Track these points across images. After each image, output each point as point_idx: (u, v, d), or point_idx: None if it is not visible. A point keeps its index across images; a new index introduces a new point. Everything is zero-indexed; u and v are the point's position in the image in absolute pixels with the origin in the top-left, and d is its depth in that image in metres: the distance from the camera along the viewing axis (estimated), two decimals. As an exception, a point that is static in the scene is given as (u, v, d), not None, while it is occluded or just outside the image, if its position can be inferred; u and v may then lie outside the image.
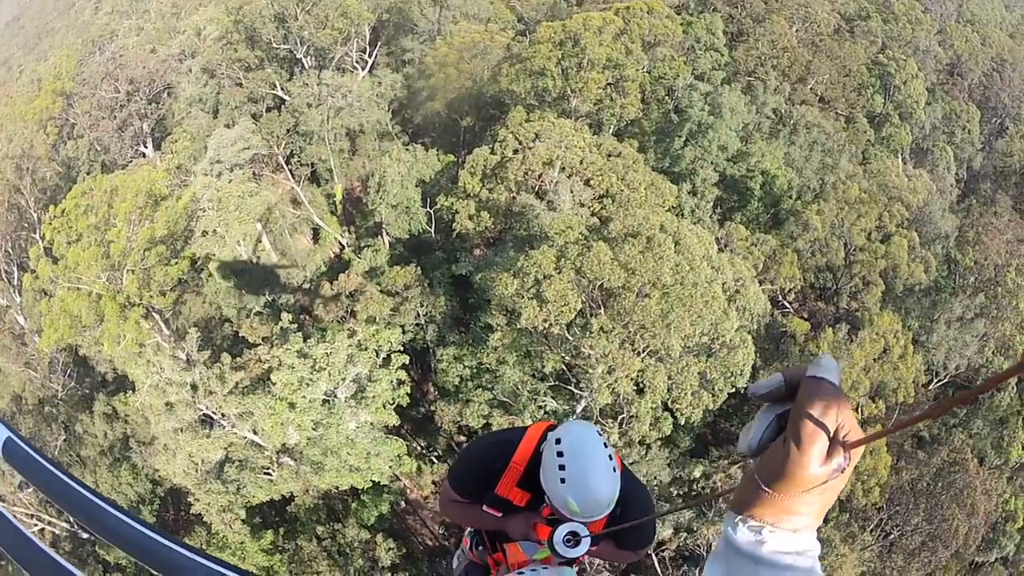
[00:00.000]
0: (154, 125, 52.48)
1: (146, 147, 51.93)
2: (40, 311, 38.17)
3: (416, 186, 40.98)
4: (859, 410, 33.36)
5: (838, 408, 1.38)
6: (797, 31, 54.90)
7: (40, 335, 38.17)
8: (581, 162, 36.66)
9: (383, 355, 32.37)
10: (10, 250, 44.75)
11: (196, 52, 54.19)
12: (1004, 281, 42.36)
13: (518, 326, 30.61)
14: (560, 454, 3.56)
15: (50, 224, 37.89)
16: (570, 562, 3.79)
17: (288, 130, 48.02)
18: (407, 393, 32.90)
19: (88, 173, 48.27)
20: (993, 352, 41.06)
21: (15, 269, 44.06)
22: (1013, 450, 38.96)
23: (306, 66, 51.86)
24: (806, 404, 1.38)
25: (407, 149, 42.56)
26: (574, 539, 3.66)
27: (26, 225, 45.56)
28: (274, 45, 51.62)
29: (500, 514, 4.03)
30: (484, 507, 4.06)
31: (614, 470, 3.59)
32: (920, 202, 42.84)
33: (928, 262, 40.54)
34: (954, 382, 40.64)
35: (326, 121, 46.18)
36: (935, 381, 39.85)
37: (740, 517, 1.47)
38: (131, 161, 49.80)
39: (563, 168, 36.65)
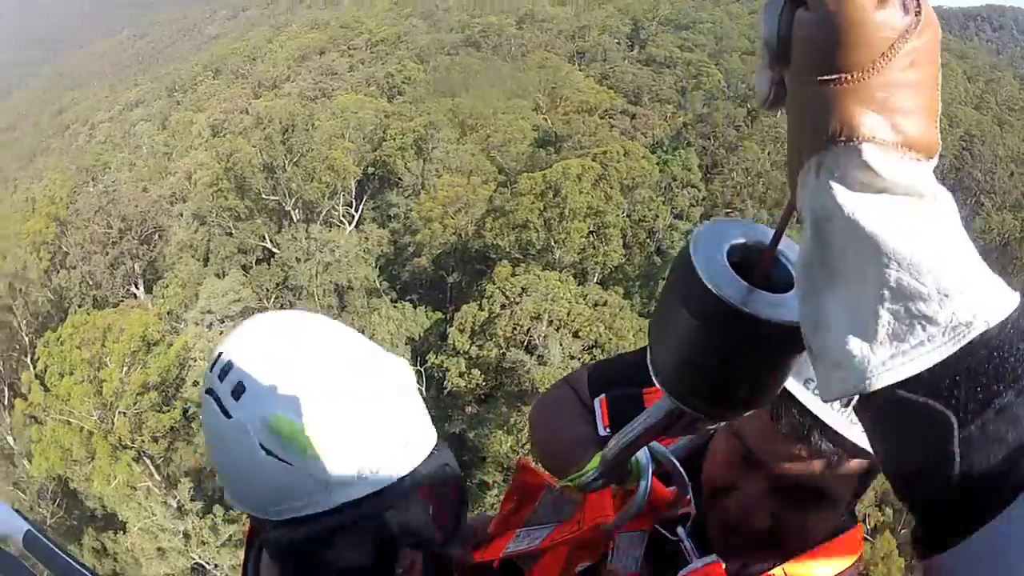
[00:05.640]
0: (145, 267, 53.22)
1: (137, 288, 52.51)
2: (31, 437, 38.54)
3: (406, 344, 40.74)
4: (866, 520, 32.55)
5: None
6: (770, 154, 55.55)
7: (30, 460, 38.59)
8: (568, 314, 36.55)
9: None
10: (0, 368, 45.35)
11: (187, 196, 55.70)
12: None
13: (516, 483, 30.06)
14: None
15: (45, 349, 38.92)
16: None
17: (278, 284, 48.29)
18: (411, 547, 32.76)
19: (80, 306, 49.04)
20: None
21: (5, 388, 44.60)
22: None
23: (294, 219, 52.73)
24: None
25: (395, 306, 42.56)
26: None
27: (17, 347, 46.30)
28: (263, 196, 52.65)
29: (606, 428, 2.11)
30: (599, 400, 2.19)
31: None
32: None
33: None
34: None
35: (315, 276, 46.38)
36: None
37: (818, 156, 0.79)
38: (122, 300, 50.37)
39: (551, 321, 36.49)
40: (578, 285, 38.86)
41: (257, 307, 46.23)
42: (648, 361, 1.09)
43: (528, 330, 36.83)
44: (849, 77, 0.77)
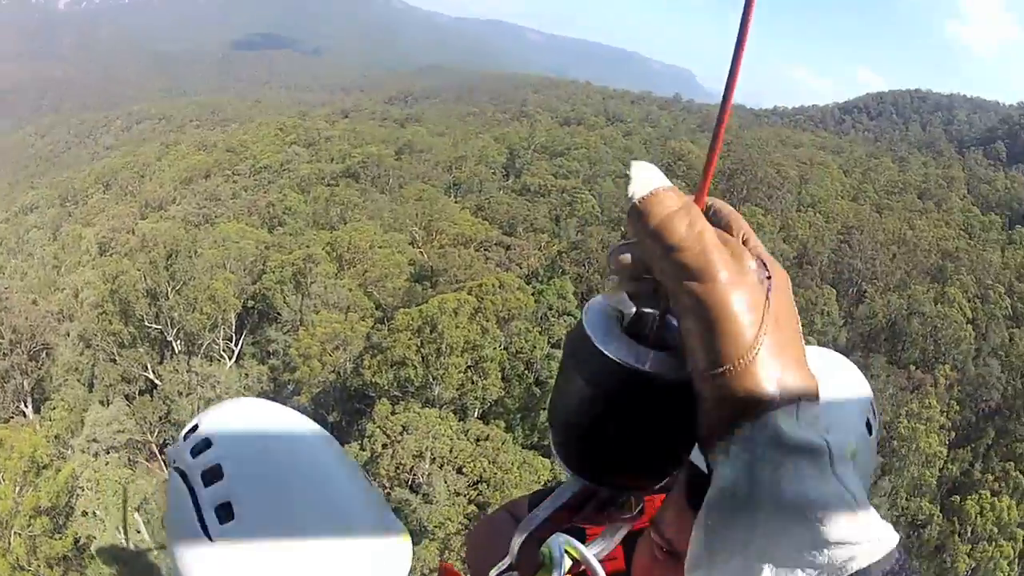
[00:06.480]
0: (34, 384, 52.34)
1: (26, 406, 51.69)
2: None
3: (287, 488, 40.08)
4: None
5: (689, 207, 0.88)
6: None
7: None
8: (451, 450, 36.97)
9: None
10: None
11: (74, 315, 56.30)
12: (898, 431, 44.14)
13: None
14: None
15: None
16: None
17: (161, 418, 48.22)
18: None
19: (-27, 417, 48.52)
20: (907, 497, 42.60)
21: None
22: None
23: (176, 350, 52.97)
24: (650, 228, 0.86)
25: (275, 450, 41.96)
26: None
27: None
28: (146, 323, 52.87)
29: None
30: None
31: None
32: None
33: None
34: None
35: (196, 412, 45.72)
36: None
37: (728, 439, 0.85)
38: (12, 416, 49.68)
39: (434, 459, 36.78)
40: (459, 421, 39.35)
41: (141, 440, 47.25)
42: (551, 444, 1.13)
43: (411, 468, 36.94)
44: (737, 364, 0.84)
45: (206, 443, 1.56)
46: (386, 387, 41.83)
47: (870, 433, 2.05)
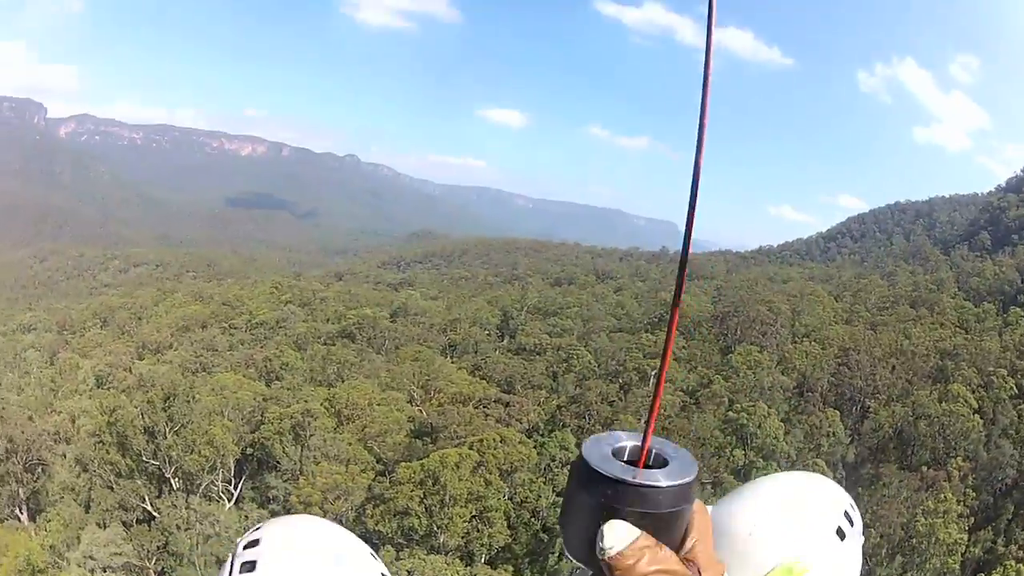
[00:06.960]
0: (29, 494, 52.99)
1: (21, 512, 52.38)
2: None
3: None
4: None
5: (643, 556, 1.25)
6: (645, 423, 57.37)
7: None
8: (459, 594, 36.67)
9: None
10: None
11: (70, 439, 57.44)
12: (916, 530, 44.91)
13: None
14: None
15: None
16: None
17: (159, 547, 48.66)
18: None
19: (-32, 516, 48.44)
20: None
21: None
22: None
23: (174, 487, 53.85)
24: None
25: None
26: None
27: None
28: (144, 458, 53.83)
29: None
30: None
31: None
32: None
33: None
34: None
35: (195, 546, 46.27)
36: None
37: None
38: (6, 519, 50.64)
39: (442, 603, 36.40)
40: (466, 567, 39.26)
41: (139, 565, 47.78)
42: (564, 546, 1.44)
43: (420, 612, 36.66)
44: None
45: (251, 566, 1.75)
46: (390, 535, 41.86)
47: (842, 540, 2.31)
